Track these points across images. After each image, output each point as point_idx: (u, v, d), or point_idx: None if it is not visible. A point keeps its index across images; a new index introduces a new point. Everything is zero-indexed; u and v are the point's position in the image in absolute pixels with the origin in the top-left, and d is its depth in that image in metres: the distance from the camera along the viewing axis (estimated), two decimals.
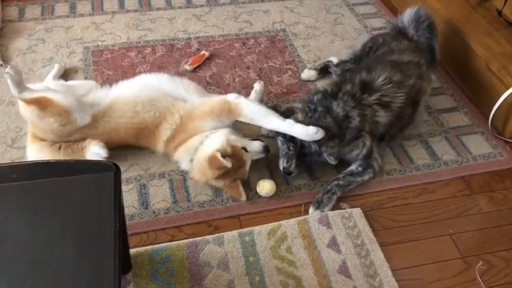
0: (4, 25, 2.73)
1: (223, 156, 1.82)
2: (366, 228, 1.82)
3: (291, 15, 2.98)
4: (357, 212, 1.88)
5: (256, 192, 1.94)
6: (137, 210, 1.86)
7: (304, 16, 2.97)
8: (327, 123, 1.87)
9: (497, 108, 2.17)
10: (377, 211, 1.92)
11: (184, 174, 2.00)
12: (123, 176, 1.95)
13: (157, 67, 2.52)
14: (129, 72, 2.47)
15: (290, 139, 1.88)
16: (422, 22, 2.33)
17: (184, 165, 1.97)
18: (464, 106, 2.41)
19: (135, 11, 2.93)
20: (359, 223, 1.84)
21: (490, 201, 1.99)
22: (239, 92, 2.29)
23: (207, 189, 1.95)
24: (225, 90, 2.40)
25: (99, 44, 2.66)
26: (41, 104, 1.83)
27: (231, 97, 1.97)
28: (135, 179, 1.98)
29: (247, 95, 2.27)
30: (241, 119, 1.94)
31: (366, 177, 1.99)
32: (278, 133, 1.94)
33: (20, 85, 1.83)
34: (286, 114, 1.94)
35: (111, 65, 2.52)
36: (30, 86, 1.92)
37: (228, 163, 1.81)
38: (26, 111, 1.88)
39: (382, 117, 2.00)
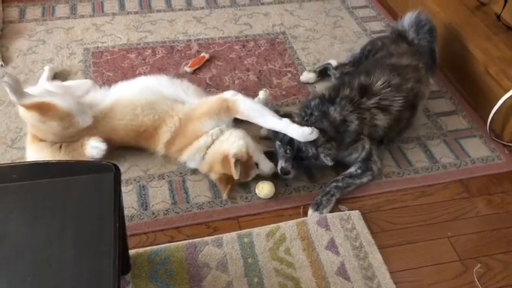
0: (5, 26, 2.74)
1: (238, 161, 1.84)
2: (364, 230, 1.83)
3: (290, 18, 2.99)
4: (355, 214, 1.88)
5: (255, 193, 1.95)
6: (136, 211, 1.87)
7: (303, 19, 2.98)
8: (323, 126, 1.88)
9: (495, 112, 2.18)
10: (375, 213, 1.93)
11: (183, 176, 2.01)
12: (123, 177, 1.95)
13: (157, 69, 2.53)
14: (129, 74, 2.47)
15: (288, 142, 1.89)
16: (423, 26, 2.34)
17: (193, 164, 1.98)
18: (463, 109, 2.42)
19: (136, 12, 2.94)
20: (357, 225, 1.84)
21: (488, 204, 2.00)
22: None
23: (206, 190, 1.95)
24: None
25: (100, 45, 2.66)
26: (42, 109, 1.82)
27: (229, 94, 1.99)
28: (135, 180, 1.98)
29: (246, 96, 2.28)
30: (239, 116, 1.96)
31: (365, 179, 2.00)
32: (276, 137, 1.94)
33: (19, 92, 1.81)
34: (284, 117, 1.94)
35: (111, 67, 2.52)
36: (29, 90, 1.91)
37: (236, 173, 1.83)
38: (27, 116, 1.87)
39: (381, 120, 2.01)
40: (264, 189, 1.91)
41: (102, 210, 1.22)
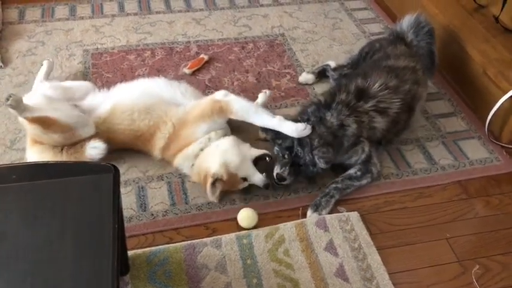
0: (4, 27, 2.74)
1: (217, 180, 1.83)
2: (363, 231, 1.83)
3: (289, 19, 2.99)
4: (354, 215, 1.89)
5: (254, 195, 1.95)
6: (135, 212, 1.87)
7: (302, 21, 2.99)
8: (319, 132, 1.88)
9: (493, 114, 2.19)
10: (374, 215, 1.93)
11: (182, 177, 2.01)
12: (122, 178, 1.93)
13: (157, 70, 2.53)
14: (128, 75, 2.48)
15: (286, 148, 1.89)
16: (423, 27, 2.35)
17: (185, 170, 1.98)
18: (461, 111, 2.42)
19: (135, 14, 2.95)
20: (356, 226, 1.84)
21: (486, 205, 2.00)
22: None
23: (205, 192, 1.95)
24: None
25: (99, 46, 2.67)
26: (45, 124, 1.81)
27: (220, 95, 1.96)
28: (134, 181, 1.98)
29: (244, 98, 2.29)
30: (233, 116, 1.94)
31: (364, 181, 2.00)
32: (275, 141, 1.94)
33: (21, 109, 1.77)
34: None
35: (111, 68, 2.53)
36: (29, 98, 1.88)
37: (211, 195, 1.84)
38: (28, 127, 1.86)
39: (379, 123, 2.01)
40: (244, 221, 1.83)
41: (101, 211, 1.22)
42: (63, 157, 1.88)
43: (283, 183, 1.91)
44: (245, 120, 1.96)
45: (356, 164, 2.01)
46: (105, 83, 2.39)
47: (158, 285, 1.63)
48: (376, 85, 2.03)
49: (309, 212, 1.89)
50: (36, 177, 1.29)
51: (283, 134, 1.90)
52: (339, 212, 1.92)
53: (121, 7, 2.99)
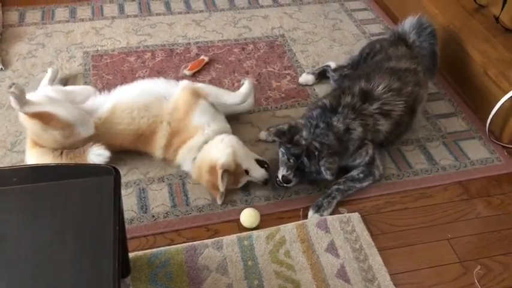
0: (4, 30, 2.75)
1: (225, 171, 1.84)
2: (364, 232, 1.83)
3: (289, 20, 2.99)
4: (355, 216, 1.88)
5: (255, 196, 1.95)
6: (136, 214, 1.87)
7: (302, 22, 2.99)
8: (328, 141, 1.87)
9: (494, 114, 2.19)
10: (375, 215, 1.93)
11: (183, 179, 2.01)
12: (122, 180, 1.95)
13: (157, 72, 2.53)
14: (128, 77, 2.48)
15: (294, 154, 1.87)
16: (425, 28, 2.35)
17: (186, 166, 1.98)
18: (462, 111, 2.42)
19: (135, 16, 2.95)
20: (357, 227, 1.84)
21: (487, 206, 2.00)
22: None
23: (205, 193, 1.95)
24: None
25: (99, 48, 2.67)
26: (44, 119, 1.82)
27: (185, 83, 2.05)
28: (134, 183, 1.98)
29: None
30: (209, 98, 2.03)
31: (365, 183, 2.00)
32: (281, 144, 1.93)
33: (22, 101, 1.80)
34: (291, 131, 1.93)
35: (111, 70, 2.53)
36: (30, 97, 1.89)
37: (222, 185, 1.83)
38: (28, 123, 1.87)
39: (383, 125, 2.01)
40: (246, 220, 1.84)
41: (102, 213, 1.22)
42: (62, 161, 1.88)
43: (288, 185, 1.91)
44: (217, 100, 2.06)
45: (359, 166, 2.01)
46: (106, 85, 2.40)
47: (159, 287, 1.63)
48: (380, 87, 2.02)
49: (311, 213, 1.89)
50: (37, 179, 1.29)
51: (295, 140, 1.89)
52: (340, 213, 1.92)
53: (121, 9, 2.99)
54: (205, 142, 1.94)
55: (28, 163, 1.93)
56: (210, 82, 2.49)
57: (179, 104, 1.99)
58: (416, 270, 1.75)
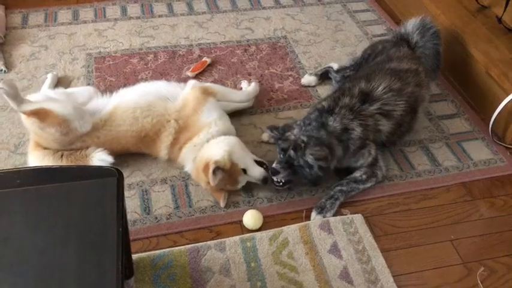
0: (8, 32, 2.76)
1: (219, 169, 1.83)
2: (367, 234, 1.83)
3: (292, 22, 3.00)
4: (358, 217, 1.88)
5: (257, 197, 1.95)
6: (139, 216, 1.87)
7: (305, 23, 2.99)
8: (318, 135, 1.87)
9: (497, 115, 2.18)
10: (378, 217, 1.92)
11: (186, 180, 2.01)
12: (125, 181, 1.95)
13: (160, 74, 2.54)
14: (131, 79, 2.48)
15: (282, 148, 1.89)
16: (429, 29, 2.35)
17: (188, 166, 1.98)
18: (465, 112, 2.42)
19: (138, 18, 2.95)
20: (360, 229, 1.84)
21: (490, 207, 2.00)
22: None
23: (208, 195, 1.96)
24: None
25: (102, 50, 2.68)
26: (41, 115, 1.83)
27: (194, 82, 2.12)
28: (137, 184, 1.99)
29: None
30: (217, 96, 2.10)
31: (368, 185, 2.00)
32: (277, 140, 1.95)
33: (17, 98, 1.82)
34: (284, 128, 1.99)
35: (114, 72, 2.54)
36: (30, 97, 1.92)
37: (213, 180, 1.82)
38: (27, 123, 1.88)
39: (385, 125, 2.01)
40: (250, 222, 1.84)
41: (106, 215, 1.22)
42: (63, 163, 1.88)
43: (277, 177, 1.89)
44: (225, 98, 2.16)
45: (362, 167, 2.01)
46: (108, 87, 2.40)
47: None
48: (380, 88, 2.02)
49: (314, 214, 1.89)
50: (40, 181, 1.29)
51: (285, 135, 1.91)
52: (342, 214, 1.92)
53: (124, 11, 3.00)
54: (208, 141, 1.95)
55: (30, 165, 1.93)
56: (213, 83, 2.49)
57: (189, 100, 2.02)
58: (419, 272, 1.75)
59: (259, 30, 2.91)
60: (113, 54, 2.65)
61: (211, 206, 1.92)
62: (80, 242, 1.17)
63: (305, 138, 1.87)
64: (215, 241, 1.77)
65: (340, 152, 1.91)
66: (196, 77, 2.52)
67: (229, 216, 1.89)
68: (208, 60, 2.60)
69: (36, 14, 2.93)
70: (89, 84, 2.42)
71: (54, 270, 1.11)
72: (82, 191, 1.28)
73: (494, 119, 2.20)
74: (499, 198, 2.03)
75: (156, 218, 1.87)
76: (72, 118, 1.86)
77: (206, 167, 1.85)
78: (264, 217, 1.87)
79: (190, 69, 2.54)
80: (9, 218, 1.21)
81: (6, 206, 1.23)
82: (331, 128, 1.91)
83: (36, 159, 1.92)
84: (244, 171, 1.91)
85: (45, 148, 1.93)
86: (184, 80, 2.47)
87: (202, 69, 2.55)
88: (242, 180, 1.93)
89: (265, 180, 1.92)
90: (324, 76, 2.54)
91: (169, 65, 2.61)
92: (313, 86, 2.52)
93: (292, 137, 1.90)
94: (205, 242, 1.77)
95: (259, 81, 2.52)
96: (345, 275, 1.70)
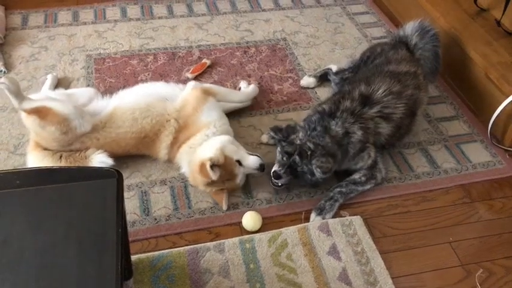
0: (7, 32, 2.76)
1: (214, 165, 1.83)
2: (366, 235, 1.83)
3: (291, 24, 3.00)
4: (357, 219, 1.88)
5: (257, 199, 1.95)
6: (138, 217, 1.87)
7: (304, 25, 3.00)
8: (323, 142, 1.87)
9: (496, 117, 2.19)
10: (377, 219, 1.93)
11: (185, 181, 2.01)
12: (125, 183, 1.95)
13: (159, 75, 2.54)
14: (131, 80, 2.49)
15: (287, 152, 1.88)
16: (428, 31, 2.35)
17: (184, 167, 1.99)
18: (464, 115, 2.42)
19: (137, 19, 2.96)
20: (359, 231, 1.84)
21: (489, 209, 2.00)
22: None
23: (208, 196, 1.96)
24: None
25: (102, 51, 2.68)
26: (41, 113, 1.84)
27: (194, 83, 2.14)
28: (137, 185, 1.99)
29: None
30: (217, 96, 2.13)
31: (367, 187, 2.00)
32: (280, 143, 1.94)
33: (19, 95, 1.83)
34: (288, 130, 1.97)
35: (113, 73, 2.54)
36: (31, 96, 1.93)
37: (214, 175, 1.82)
38: (28, 122, 1.89)
39: (384, 128, 2.02)
40: (249, 224, 1.84)
41: (105, 216, 1.22)
42: (62, 164, 1.88)
43: (278, 181, 1.90)
44: (224, 98, 2.19)
45: (361, 169, 2.01)
46: (108, 88, 2.40)
47: None
48: (380, 91, 2.03)
49: (313, 216, 1.89)
50: (39, 182, 1.29)
51: (290, 139, 1.91)
52: (341, 216, 1.92)
53: (123, 12, 3.00)
54: (201, 144, 1.95)
55: (29, 165, 1.93)
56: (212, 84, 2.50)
57: (189, 100, 2.03)
58: (418, 274, 1.75)
59: (258, 32, 2.91)
60: (113, 56, 2.65)
61: (211, 208, 1.92)
62: (80, 243, 1.17)
63: (311, 146, 1.86)
64: (214, 242, 1.78)
65: (340, 157, 1.92)
66: (196, 78, 2.52)
67: (228, 217, 1.89)
68: (208, 62, 2.61)
69: (36, 15, 2.93)
70: (88, 86, 2.42)
71: (54, 271, 1.11)
72: (82, 192, 1.28)
73: (493, 122, 2.21)
74: (497, 200, 2.04)
75: (156, 219, 1.87)
76: (72, 117, 1.86)
77: (201, 167, 1.85)
78: (263, 219, 1.87)
79: (190, 70, 2.54)
80: (9, 218, 1.21)
81: (6, 206, 1.23)
82: (334, 132, 1.90)
83: (35, 160, 1.92)
84: (240, 163, 1.91)
85: (44, 149, 1.93)
86: (184, 81, 2.48)
87: (201, 70, 2.56)
88: (239, 173, 1.92)
89: (262, 168, 1.92)
90: (323, 78, 2.54)
91: (169, 66, 2.61)
92: (313, 88, 2.52)
93: (298, 141, 1.90)
94: (204, 244, 1.77)
95: (259, 83, 2.52)
96: (344, 277, 1.70)
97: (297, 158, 1.85)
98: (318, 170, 1.84)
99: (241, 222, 1.86)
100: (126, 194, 1.92)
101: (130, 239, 1.69)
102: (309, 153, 1.85)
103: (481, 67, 2.33)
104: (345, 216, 1.91)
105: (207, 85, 2.22)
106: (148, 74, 2.55)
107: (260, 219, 1.85)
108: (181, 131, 1.99)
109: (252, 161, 1.92)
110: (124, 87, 2.19)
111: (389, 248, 1.82)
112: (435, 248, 1.84)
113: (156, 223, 1.86)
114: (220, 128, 2.00)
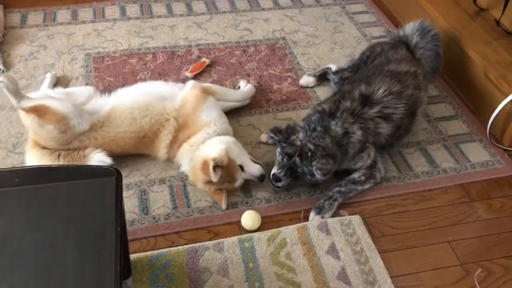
0: (6, 31, 2.75)
1: (217, 166, 1.83)
2: (365, 235, 1.83)
3: (291, 23, 3.00)
4: (356, 219, 1.88)
5: (256, 198, 1.95)
6: (137, 216, 1.87)
7: (304, 24, 3.00)
8: (324, 144, 1.87)
9: (495, 117, 2.19)
10: (376, 218, 1.93)
11: (184, 180, 2.01)
12: (124, 181, 1.95)
13: (158, 74, 2.54)
14: (130, 79, 2.48)
15: (287, 153, 1.88)
16: (429, 31, 2.35)
17: (185, 166, 1.98)
18: (463, 114, 2.42)
19: (137, 18, 2.96)
20: (358, 230, 1.84)
21: (488, 208, 2.00)
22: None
23: (207, 195, 1.96)
24: None
25: (101, 50, 2.67)
26: (39, 112, 1.84)
27: (194, 82, 2.13)
28: (136, 184, 1.99)
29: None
30: (216, 96, 2.13)
31: (366, 186, 2.00)
32: (280, 143, 1.94)
33: (18, 94, 1.83)
34: (287, 130, 1.95)
35: (112, 72, 2.53)
36: (30, 94, 1.93)
37: (215, 177, 1.82)
38: (26, 120, 1.89)
39: (384, 128, 2.02)
40: (248, 223, 1.84)
41: (104, 215, 1.22)
42: (60, 163, 1.88)
43: (278, 184, 1.90)
44: (223, 97, 2.19)
45: (361, 168, 2.01)
46: (107, 87, 2.40)
47: None
48: (381, 91, 2.03)
49: (312, 215, 1.89)
50: (38, 180, 1.29)
51: (290, 139, 1.90)
52: (340, 215, 1.92)
53: (123, 11, 3.00)
54: (203, 142, 1.95)
55: (27, 164, 1.93)
56: (212, 84, 2.50)
57: (188, 99, 2.03)
58: (417, 273, 1.75)
59: (258, 31, 2.91)
60: (112, 55, 2.65)
61: (210, 207, 1.92)
62: (78, 242, 1.17)
63: (312, 147, 1.86)
64: (213, 241, 1.77)
65: (339, 157, 1.92)
66: (195, 77, 2.52)
67: (227, 216, 1.89)
68: (207, 61, 2.60)
69: (35, 13, 2.92)
70: (87, 84, 2.42)
71: (53, 270, 1.11)
72: (80, 190, 1.28)
73: (492, 121, 2.21)
74: (496, 200, 2.04)
75: (154, 218, 1.87)
76: (71, 116, 1.86)
77: (204, 165, 1.85)
78: (262, 218, 1.87)
79: (189, 69, 2.54)
80: (8, 217, 1.20)
81: (5, 205, 1.23)
82: (333, 132, 1.90)
83: (33, 158, 1.92)
84: (242, 168, 1.91)
85: (43, 148, 1.93)
86: (183, 80, 2.48)
87: (201, 69, 2.55)
88: (239, 177, 1.92)
89: (263, 178, 1.92)
90: (322, 77, 2.54)
91: (168, 65, 2.61)
92: (312, 87, 2.52)
93: (298, 142, 1.89)
94: (203, 243, 1.77)
95: (258, 82, 2.52)
96: (343, 276, 1.70)
97: (297, 159, 1.85)
98: (318, 171, 1.84)
99: (240, 221, 1.86)
100: (125, 193, 1.91)
101: (129, 237, 1.69)
102: (309, 154, 1.85)
103: (481, 67, 2.33)
104: (344, 216, 1.91)
105: (207, 84, 2.22)
106: (148, 73, 2.54)
107: (259, 218, 1.85)
108: (181, 130, 1.99)
109: (254, 169, 1.92)
110: (123, 86, 2.19)
111: (388, 247, 1.82)
112: (434, 247, 1.84)
113: (155, 222, 1.86)
114: (220, 127, 2.00)
